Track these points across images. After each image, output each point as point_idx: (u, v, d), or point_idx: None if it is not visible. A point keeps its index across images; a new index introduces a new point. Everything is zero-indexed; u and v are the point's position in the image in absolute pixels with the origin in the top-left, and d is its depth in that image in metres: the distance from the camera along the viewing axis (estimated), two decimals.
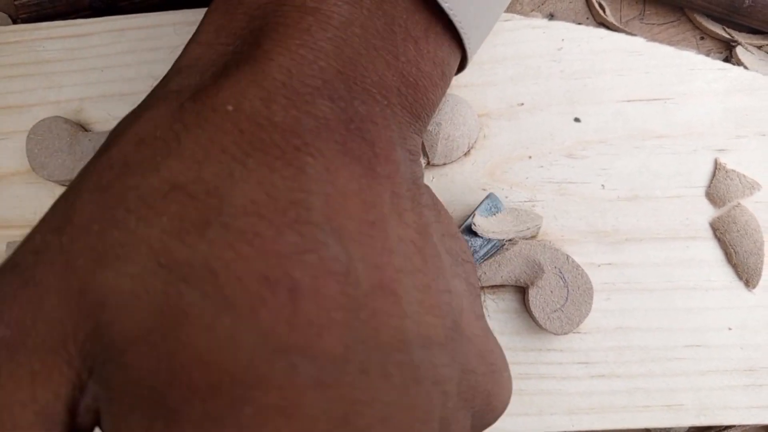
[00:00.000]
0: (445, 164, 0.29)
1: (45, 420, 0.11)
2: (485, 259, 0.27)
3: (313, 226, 0.12)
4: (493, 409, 0.16)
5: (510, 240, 0.28)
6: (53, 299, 0.11)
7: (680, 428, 0.30)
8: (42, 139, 0.30)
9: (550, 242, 0.28)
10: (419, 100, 0.17)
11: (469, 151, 0.30)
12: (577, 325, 0.27)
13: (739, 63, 0.33)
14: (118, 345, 0.11)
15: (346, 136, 0.14)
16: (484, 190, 0.29)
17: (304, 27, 0.14)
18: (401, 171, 0.15)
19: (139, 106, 0.15)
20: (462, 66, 0.21)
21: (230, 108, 0.13)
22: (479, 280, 0.28)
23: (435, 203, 0.18)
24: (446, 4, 0.17)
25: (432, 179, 0.30)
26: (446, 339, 0.14)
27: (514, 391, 0.28)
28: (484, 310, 0.29)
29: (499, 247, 0.27)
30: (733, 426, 0.29)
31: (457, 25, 0.17)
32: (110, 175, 0.12)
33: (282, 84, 0.14)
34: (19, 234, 0.31)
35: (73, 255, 0.11)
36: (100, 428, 0.12)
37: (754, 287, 0.28)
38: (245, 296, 0.11)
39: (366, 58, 0.15)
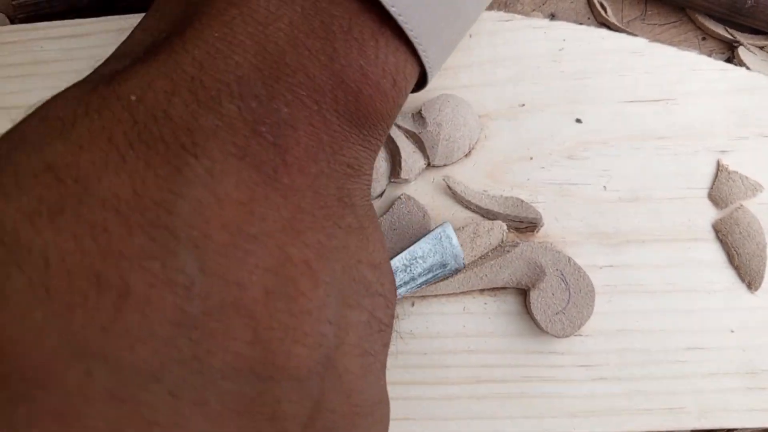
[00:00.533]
0: (445, 165, 0.29)
1: None
2: (422, 287, 0.26)
3: (168, 231, 0.12)
4: None
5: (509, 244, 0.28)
6: None
7: (681, 431, 0.30)
8: None
9: (551, 244, 0.28)
10: (363, 110, 0.16)
11: (469, 152, 0.29)
12: (579, 328, 0.27)
13: (741, 64, 0.33)
14: None
15: (250, 139, 0.13)
16: (485, 191, 0.29)
17: (226, 19, 0.14)
18: (318, 184, 0.15)
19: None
20: (424, 80, 0.19)
21: (133, 98, 0.13)
22: (480, 281, 0.28)
23: (363, 226, 0.17)
24: (393, 8, 0.15)
25: (432, 181, 0.29)
26: (308, 372, 0.13)
27: (516, 395, 0.28)
28: (484, 311, 0.28)
29: (440, 277, 0.26)
30: (735, 429, 0.29)
31: (406, 29, 0.16)
32: (5, 147, 0.12)
33: (191, 77, 0.13)
34: None
35: None
36: None
37: (756, 289, 0.28)
38: (68, 292, 0.11)
39: (292, 57, 0.14)
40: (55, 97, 0.14)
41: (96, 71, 0.15)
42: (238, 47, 0.14)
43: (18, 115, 0.32)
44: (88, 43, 0.31)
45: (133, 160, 0.12)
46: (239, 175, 0.13)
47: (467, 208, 0.29)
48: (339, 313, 0.15)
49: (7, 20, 0.36)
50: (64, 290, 0.11)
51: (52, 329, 0.11)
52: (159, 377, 0.11)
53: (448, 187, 0.29)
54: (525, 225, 0.28)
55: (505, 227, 0.28)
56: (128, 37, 0.16)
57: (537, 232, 0.28)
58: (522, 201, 0.28)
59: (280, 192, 0.14)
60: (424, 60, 0.17)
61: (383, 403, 0.17)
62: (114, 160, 0.12)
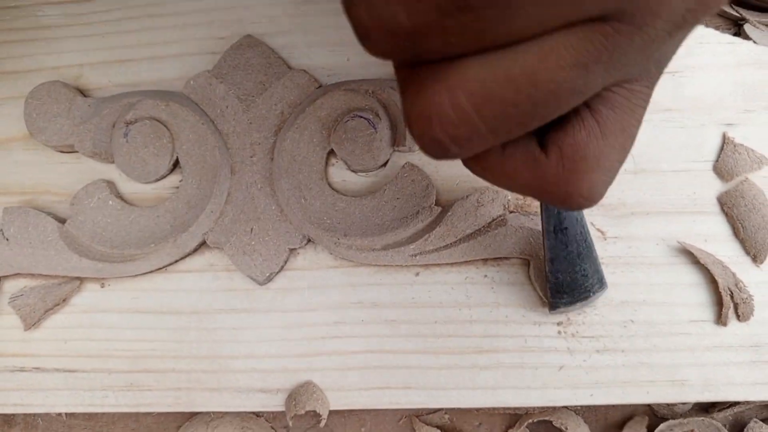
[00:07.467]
0: None
1: None
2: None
3: None
4: None
5: None
6: None
7: (684, 404, 0.30)
8: (40, 103, 0.29)
9: None
10: None
11: None
12: None
13: (747, 39, 0.32)
14: None
15: None
16: None
17: None
18: None
19: None
20: None
21: None
22: (484, 250, 0.27)
23: None
24: None
25: (432, 163, 0.29)
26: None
27: (518, 365, 0.28)
28: (487, 281, 0.28)
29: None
30: (738, 402, 0.29)
31: None
32: None
33: None
34: (16, 200, 0.30)
35: None
36: None
37: (761, 262, 0.28)
38: None
39: None
40: None
41: None
42: None
43: (19, 80, 0.31)
44: (90, 9, 0.31)
45: None
46: None
47: None
48: None
49: None
50: None
51: None
52: None
53: None
54: None
55: (509, 197, 0.28)
56: None
57: None
58: None
59: None
60: None
61: None
62: None
